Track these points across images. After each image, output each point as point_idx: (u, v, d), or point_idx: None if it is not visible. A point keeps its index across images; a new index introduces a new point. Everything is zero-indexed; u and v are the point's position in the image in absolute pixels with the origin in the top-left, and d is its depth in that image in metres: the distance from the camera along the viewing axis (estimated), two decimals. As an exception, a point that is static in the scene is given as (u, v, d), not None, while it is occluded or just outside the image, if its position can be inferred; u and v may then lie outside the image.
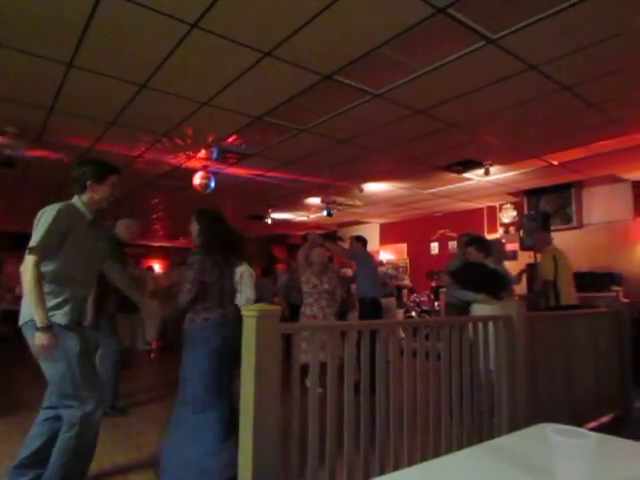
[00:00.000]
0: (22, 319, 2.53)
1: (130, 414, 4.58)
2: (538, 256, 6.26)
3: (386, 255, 11.67)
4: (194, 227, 3.33)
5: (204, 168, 6.62)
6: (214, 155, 6.14)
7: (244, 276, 4.69)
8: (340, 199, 9.11)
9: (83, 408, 2.52)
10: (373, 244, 11.54)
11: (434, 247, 10.67)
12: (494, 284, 4.27)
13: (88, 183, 2.68)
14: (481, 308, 4.03)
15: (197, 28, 3.25)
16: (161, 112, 4.77)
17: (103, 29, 3.28)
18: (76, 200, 2.70)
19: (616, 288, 7.24)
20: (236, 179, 7.47)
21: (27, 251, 2.42)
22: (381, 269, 8.05)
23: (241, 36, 3.37)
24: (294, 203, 9.61)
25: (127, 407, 4.69)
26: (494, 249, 5.21)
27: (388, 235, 12.06)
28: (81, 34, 3.33)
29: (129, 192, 7.99)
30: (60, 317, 2.53)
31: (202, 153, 6.12)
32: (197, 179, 6.51)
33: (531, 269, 7.58)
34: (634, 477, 1.00)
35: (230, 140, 5.65)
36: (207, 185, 6.54)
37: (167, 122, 5.06)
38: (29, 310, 2.43)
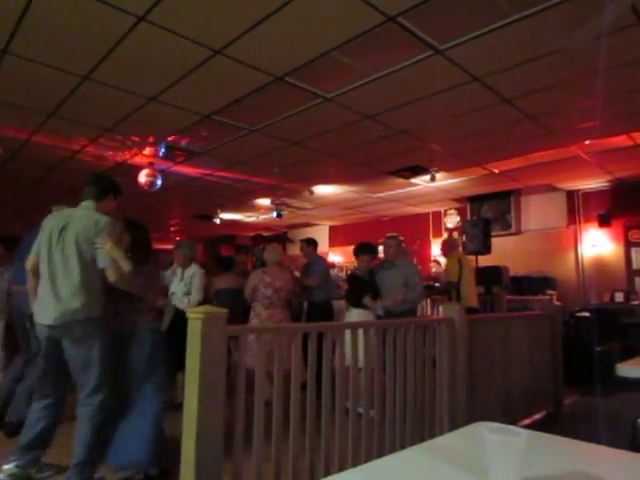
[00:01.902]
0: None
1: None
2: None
3: (335, 257, 11.77)
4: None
5: (150, 165, 6.43)
6: (161, 152, 5.98)
7: (194, 277, 4.59)
8: (290, 201, 9.11)
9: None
10: (322, 246, 11.59)
11: (381, 250, 10.84)
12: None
13: (110, 195, 3.09)
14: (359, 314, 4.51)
15: (144, 21, 3.15)
16: (105, 106, 4.60)
17: (42, 15, 3.11)
18: (96, 206, 3.01)
19: (550, 292, 7.64)
20: (184, 178, 7.31)
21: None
22: (332, 272, 8.09)
23: (191, 32, 3.30)
24: (243, 204, 9.52)
25: None
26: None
27: (337, 237, 12.18)
28: (18, 19, 3.15)
29: (65, 189, 7.64)
30: None
31: (148, 150, 5.95)
32: (142, 177, 6.32)
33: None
34: (561, 472, 1.06)
35: (178, 137, 5.52)
36: (153, 183, 6.35)
37: (111, 116, 4.87)
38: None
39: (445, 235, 9.96)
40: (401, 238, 5.19)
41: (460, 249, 6.44)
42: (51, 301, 2.77)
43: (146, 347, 3.03)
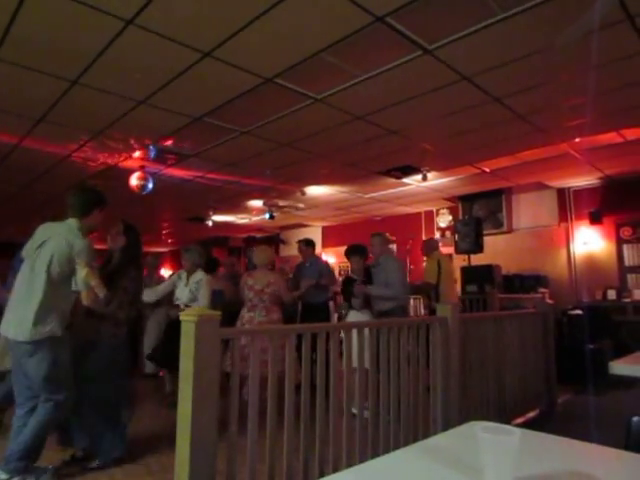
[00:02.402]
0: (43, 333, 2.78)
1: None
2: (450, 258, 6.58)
3: (329, 258, 11.77)
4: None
5: (141, 168, 6.40)
6: (152, 155, 5.95)
7: (201, 285, 4.51)
8: (282, 202, 9.10)
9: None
10: (316, 247, 11.59)
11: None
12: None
13: (95, 210, 3.07)
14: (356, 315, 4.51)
15: (133, 25, 3.13)
16: (94, 110, 4.57)
17: (30, 20, 3.09)
18: (81, 225, 3.01)
19: (542, 290, 7.68)
20: (175, 180, 7.28)
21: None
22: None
23: (180, 35, 3.29)
24: (236, 205, 9.50)
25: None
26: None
27: (330, 238, 12.18)
28: (6, 26, 3.13)
29: (56, 193, 7.58)
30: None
31: (139, 153, 5.92)
32: (134, 180, 6.27)
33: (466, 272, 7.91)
34: (555, 471, 1.06)
35: (169, 140, 5.50)
36: (144, 186, 6.31)
37: (101, 120, 4.84)
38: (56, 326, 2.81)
39: (437, 234, 10.00)
40: (387, 235, 5.18)
41: (440, 250, 6.52)
42: (12, 316, 2.81)
43: (104, 353, 3.19)
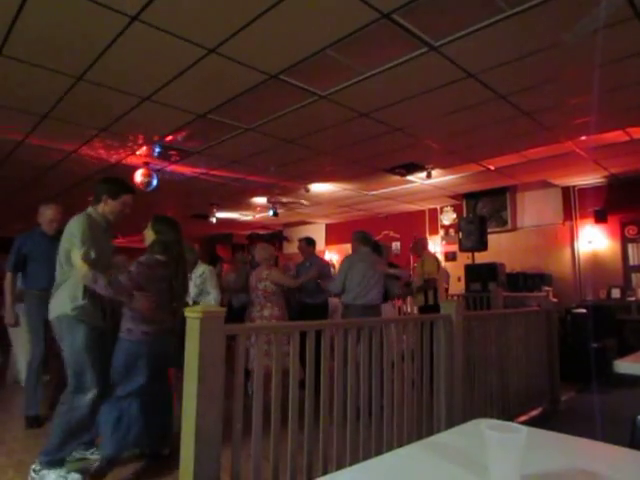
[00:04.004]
0: (54, 312, 2.93)
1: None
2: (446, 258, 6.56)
3: (332, 255, 11.77)
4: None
5: (145, 165, 6.41)
6: (156, 152, 5.96)
7: (207, 277, 4.55)
8: (286, 199, 9.10)
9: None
10: (319, 244, 11.59)
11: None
12: None
13: (103, 197, 3.11)
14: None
15: (138, 21, 3.13)
16: (99, 106, 4.58)
17: (36, 17, 3.10)
18: (91, 210, 3.11)
19: (546, 288, 7.66)
20: (179, 177, 7.29)
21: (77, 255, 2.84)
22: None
23: (184, 32, 3.29)
24: (239, 202, 9.51)
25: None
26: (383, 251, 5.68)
27: (333, 235, 12.18)
28: (11, 21, 3.13)
29: (62, 189, 7.62)
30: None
31: (143, 150, 5.93)
32: (138, 177, 6.30)
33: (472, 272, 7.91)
34: (561, 469, 1.06)
35: (172, 137, 5.50)
36: (149, 183, 6.33)
37: (105, 117, 4.85)
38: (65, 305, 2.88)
39: (441, 232, 9.98)
40: (361, 232, 5.21)
41: (429, 249, 6.69)
42: None
43: (119, 353, 2.98)
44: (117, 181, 3.25)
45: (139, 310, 3.00)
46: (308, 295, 5.57)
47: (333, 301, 7.43)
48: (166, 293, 3.06)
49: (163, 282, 3.04)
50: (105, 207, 3.12)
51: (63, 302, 2.89)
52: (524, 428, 0.96)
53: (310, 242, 5.99)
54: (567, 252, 8.23)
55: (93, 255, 2.87)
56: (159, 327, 3.04)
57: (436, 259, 6.17)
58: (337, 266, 10.52)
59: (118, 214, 3.17)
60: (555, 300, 6.69)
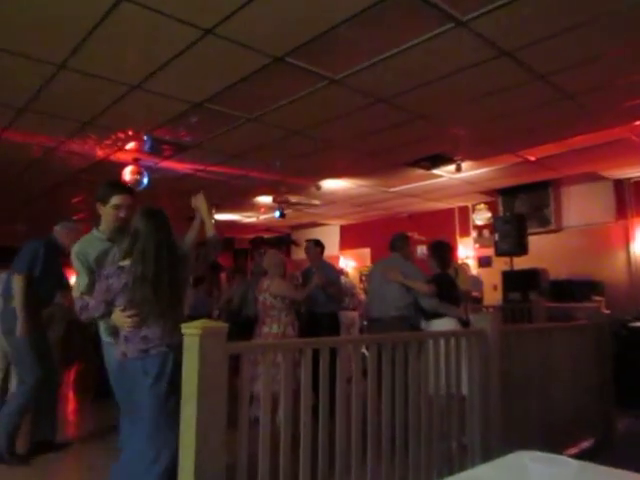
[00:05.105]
0: None
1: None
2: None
3: (347, 262, 11.76)
4: None
5: (135, 162, 6.48)
6: (147, 146, 6.02)
7: None
8: (294, 198, 9.13)
9: None
10: (332, 249, 11.61)
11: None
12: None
13: (97, 206, 3.26)
14: (448, 323, 4.43)
15: (126, 0, 3.17)
16: (84, 97, 4.64)
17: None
18: (92, 231, 3.38)
19: (597, 298, 7.55)
20: (173, 175, 7.36)
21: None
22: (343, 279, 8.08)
23: (178, 11, 3.32)
24: (241, 203, 9.56)
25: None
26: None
27: (349, 239, 12.17)
28: (-16, 2, 3.19)
29: (44, 189, 7.72)
30: None
31: (132, 144, 5.99)
32: (127, 174, 6.36)
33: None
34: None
35: (166, 129, 5.55)
36: (139, 181, 6.39)
37: (91, 108, 4.92)
38: None
39: (474, 234, 9.93)
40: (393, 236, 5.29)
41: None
42: None
43: None
44: (105, 184, 3.35)
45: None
46: (314, 304, 5.56)
47: (349, 314, 7.44)
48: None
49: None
50: (104, 215, 3.28)
51: None
52: (574, 462, 0.95)
53: (319, 244, 6.03)
54: (621, 256, 8.12)
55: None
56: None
57: (456, 268, 6.13)
58: (350, 274, 10.59)
59: (115, 221, 3.28)
60: (607, 312, 6.60)
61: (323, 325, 5.45)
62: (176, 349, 2.71)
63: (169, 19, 3.39)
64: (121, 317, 2.79)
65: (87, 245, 3.29)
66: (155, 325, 2.77)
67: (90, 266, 3.18)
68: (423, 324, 4.73)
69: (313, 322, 5.53)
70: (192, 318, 2.24)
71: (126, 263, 2.85)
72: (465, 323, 5.13)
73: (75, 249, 3.25)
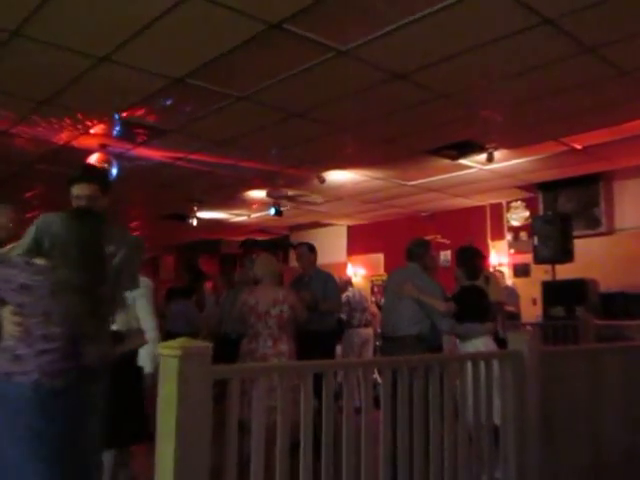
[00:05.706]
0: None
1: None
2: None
3: (356, 269, 11.74)
4: None
5: (102, 148, 6.51)
6: (116, 130, 6.05)
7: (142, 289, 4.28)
8: (293, 192, 9.14)
9: None
10: (338, 254, 11.61)
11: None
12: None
13: None
14: (481, 344, 4.45)
15: (93, -46, 3.21)
16: (40, 72, 4.67)
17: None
18: None
19: (656, 314, 7.55)
20: (148, 164, 7.38)
21: None
22: (353, 291, 8.09)
23: (156, -33, 3.36)
24: (229, 198, 9.58)
25: None
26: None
27: (358, 242, 12.16)
28: None
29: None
30: None
31: (99, 128, 6.02)
32: (93, 163, 6.39)
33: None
34: None
35: (139, 110, 5.58)
36: (107, 172, 6.42)
37: (48, 85, 4.94)
38: None
39: (508, 237, 9.92)
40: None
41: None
42: None
43: None
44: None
45: None
46: (309, 320, 5.55)
47: (362, 332, 7.50)
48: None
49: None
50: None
51: None
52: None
53: (313, 249, 6.05)
54: (686, 264, 8.12)
55: None
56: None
57: (486, 276, 6.11)
58: (359, 284, 10.60)
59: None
60: (668, 331, 6.61)
61: (316, 344, 5.45)
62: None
63: (145, -22, 3.43)
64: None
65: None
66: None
67: (39, 243, 3.20)
68: (458, 344, 4.82)
69: (307, 341, 5.53)
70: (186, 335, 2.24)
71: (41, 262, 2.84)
72: (502, 341, 5.16)
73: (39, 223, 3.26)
